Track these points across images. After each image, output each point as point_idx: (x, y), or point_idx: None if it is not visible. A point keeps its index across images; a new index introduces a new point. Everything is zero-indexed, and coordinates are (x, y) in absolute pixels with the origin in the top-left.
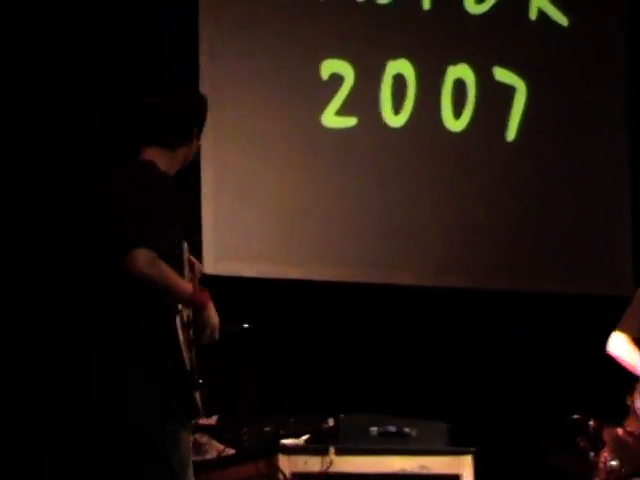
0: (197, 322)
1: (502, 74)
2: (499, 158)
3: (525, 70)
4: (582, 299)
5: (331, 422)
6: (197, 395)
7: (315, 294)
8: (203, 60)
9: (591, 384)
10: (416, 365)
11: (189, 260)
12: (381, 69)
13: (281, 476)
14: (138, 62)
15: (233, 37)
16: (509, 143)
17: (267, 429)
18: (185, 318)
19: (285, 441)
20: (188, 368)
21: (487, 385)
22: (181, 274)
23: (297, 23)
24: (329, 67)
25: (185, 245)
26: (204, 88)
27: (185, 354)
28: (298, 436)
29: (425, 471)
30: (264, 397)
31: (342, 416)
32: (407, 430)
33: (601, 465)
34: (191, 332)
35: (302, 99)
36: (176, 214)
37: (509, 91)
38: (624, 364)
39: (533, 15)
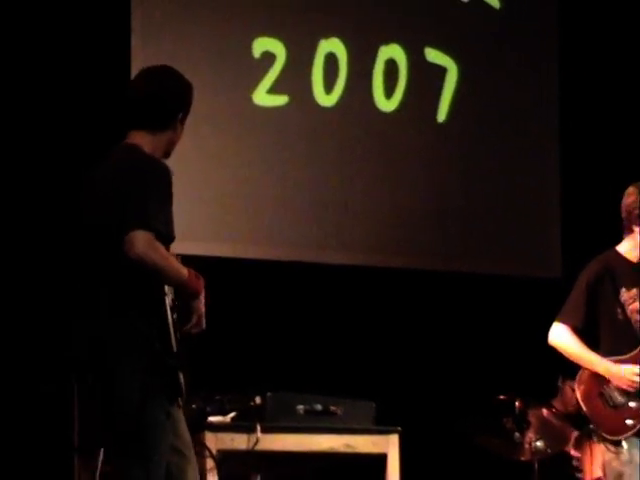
0: (185, 308)
1: (434, 55)
2: (430, 138)
3: (457, 51)
4: (509, 280)
5: (258, 400)
6: (181, 376)
7: (244, 273)
8: (135, 39)
9: (517, 365)
10: (344, 344)
11: None
12: (313, 48)
13: (207, 453)
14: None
15: (165, 15)
16: (440, 124)
17: (194, 406)
18: (169, 302)
19: (212, 418)
20: (174, 349)
21: (414, 365)
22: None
23: (229, 1)
24: (261, 45)
25: None
26: (135, 67)
27: (172, 336)
28: (225, 414)
29: (351, 450)
30: (191, 375)
31: (269, 394)
32: (334, 409)
33: (526, 445)
34: (174, 316)
35: (234, 77)
36: (167, 195)
37: (440, 72)
38: (568, 355)
39: None
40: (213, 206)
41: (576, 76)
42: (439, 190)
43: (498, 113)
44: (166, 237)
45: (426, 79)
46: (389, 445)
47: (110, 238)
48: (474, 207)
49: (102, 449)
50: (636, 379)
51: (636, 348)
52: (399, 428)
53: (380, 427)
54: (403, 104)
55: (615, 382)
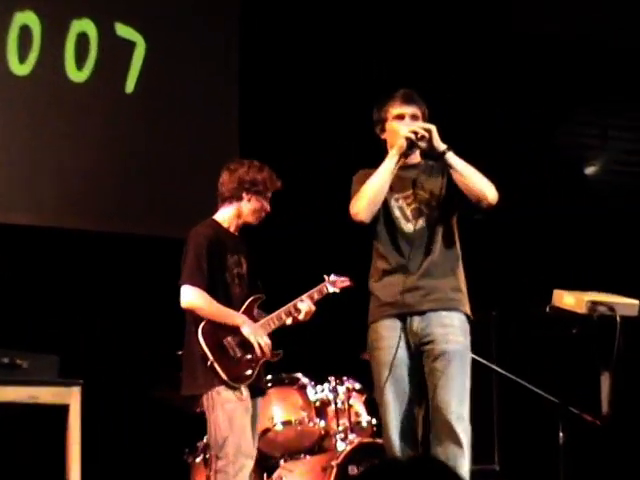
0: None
1: (123, 30)
2: (118, 109)
3: (145, 27)
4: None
5: None
6: None
7: None
8: None
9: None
10: (29, 299)
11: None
12: (8, 20)
13: None
14: None
15: None
16: (128, 95)
17: None
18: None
19: None
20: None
21: (97, 321)
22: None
23: None
24: None
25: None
26: None
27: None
28: None
29: (34, 401)
30: None
31: None
32: (19, 362)
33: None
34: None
35: None
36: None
37: (129, 46)
38: (207, 314)
39: None
40: None
41: (257, 47)
42: (124, 154)
43: (183, 85)
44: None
45: (115, 53)
46: (71, 397)
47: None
48: (155, 173)
49: None
50: (261, 342)
51: (242, 307)
52: (81, 381)
53: (62, 379)
54: (93, 75)
55: (245, 335)
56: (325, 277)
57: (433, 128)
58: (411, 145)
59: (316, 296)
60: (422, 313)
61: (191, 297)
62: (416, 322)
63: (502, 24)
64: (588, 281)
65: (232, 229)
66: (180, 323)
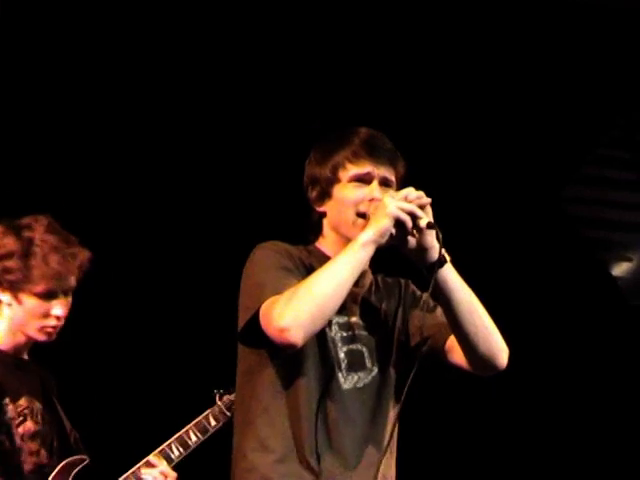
0: None
1: None
2: None
3: None
4: None
5: None
6: None
7: None
8: None
9: None
10: None
11: None
12: None
13: None
14: None
15: None
16: None
17: None
18: None
19: None
20: None
21: None
22: None
23: None
24: None
25: None
26: None
27: None
28: None
29: None
30: None
31: None
32: None
33: None
34: None
35: None
36: None
37: None
38: None
39: None
40: None
41: None
42: None
43: None
44: None
45: None
46: None
47: None
48: None
49: None
50: None
51: None
52: None
53: None
54: None
55: None
56: (216, 395)
57: (429, 207)
58: (400, 235)
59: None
60: None
61: None
62: None
63: None
64: None
65: (12, 352)
66: None
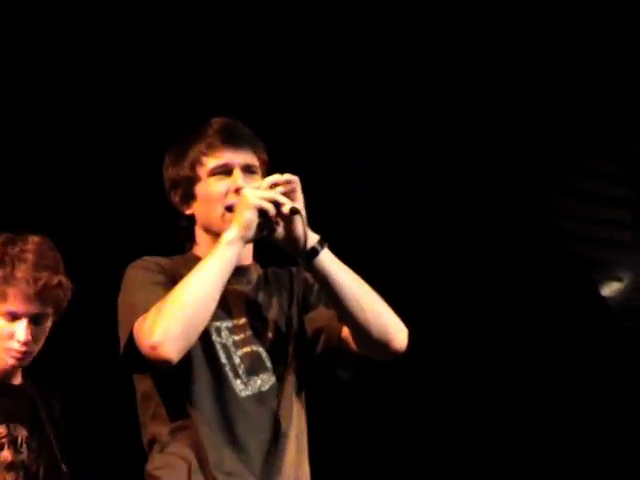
0: None
1: None
2: None
3: None
4: None
5: None
6: None
7: None
8: None
9: None
10: None
11: None
12: None
13: None
14: None
15: None
16: None
17: None
18: None
19: None
20: None
21: None
22: None
23: None
24: None
25: None
26: None
27: None
28: None
29: None
30: None
31: None
32: None
33: None
34: None
35: None
36: None
37: None
38: None
39: None
40: None
41: None
42: None
43: None
44: None
45: None
46: None
47: None
48: None
49: None
50: None
51: None
52: None
53: None
54: None
55: None
56: None
57: (299, 192)
58: (266, 225)
59: None
60: None
61: None
62: None
63: None
64: None
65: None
66: None
